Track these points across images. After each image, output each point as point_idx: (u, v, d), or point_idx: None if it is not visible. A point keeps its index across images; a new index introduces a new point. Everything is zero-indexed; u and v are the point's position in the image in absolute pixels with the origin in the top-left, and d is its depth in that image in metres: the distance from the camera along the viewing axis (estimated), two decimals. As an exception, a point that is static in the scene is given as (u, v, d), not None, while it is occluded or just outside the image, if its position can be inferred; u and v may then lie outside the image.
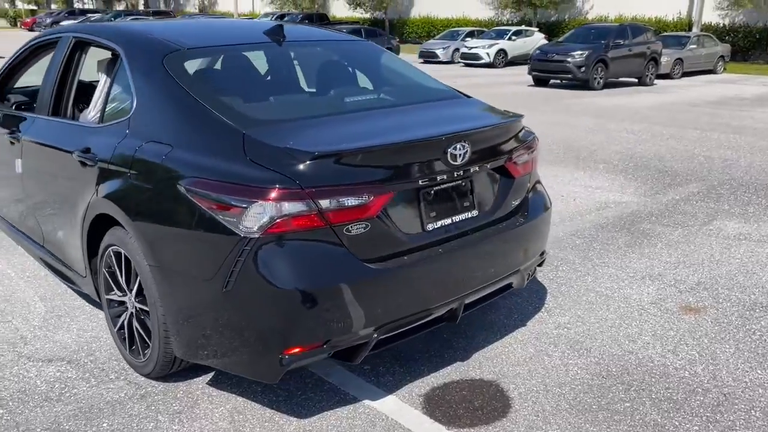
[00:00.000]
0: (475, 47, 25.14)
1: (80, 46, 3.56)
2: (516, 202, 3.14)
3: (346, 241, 2.46)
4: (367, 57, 3.88)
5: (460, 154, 2.74)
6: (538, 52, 18.23)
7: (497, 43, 25.07)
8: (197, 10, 54.19)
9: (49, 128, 3.53)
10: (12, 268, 4.34)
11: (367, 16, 40.66)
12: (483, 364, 3.18)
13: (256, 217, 2.34)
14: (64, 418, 2.71)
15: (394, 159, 2.61)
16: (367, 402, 2.87)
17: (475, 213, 2.92)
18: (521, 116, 3.22)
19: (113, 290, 3.08)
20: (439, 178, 2.73)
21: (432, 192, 2.75)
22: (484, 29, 29.38)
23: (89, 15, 42.55)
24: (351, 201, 2.44)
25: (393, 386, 2.99)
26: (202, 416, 2.73)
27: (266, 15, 38.47)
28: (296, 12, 39.37)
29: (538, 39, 25.97)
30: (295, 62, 3.67)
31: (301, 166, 2.39)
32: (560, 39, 20.32)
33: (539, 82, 17.80)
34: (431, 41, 28.98)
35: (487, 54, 24.58)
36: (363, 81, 3.64)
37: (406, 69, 3.84)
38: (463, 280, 2.86)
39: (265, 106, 3.17)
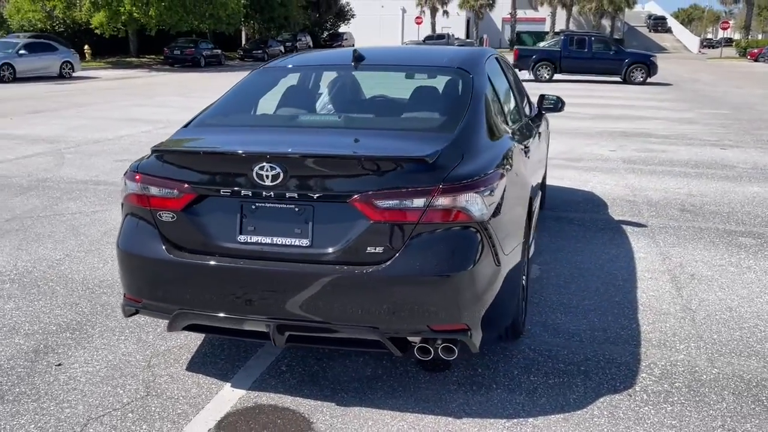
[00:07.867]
0: None
1: None
2: (375, 249, 2.71)
3: (159, 224, 2.94)
4: (427, 87, 3.88)
5: (267, 175, 2.73)
6: None
7: None
8: None
9: None
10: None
11: None
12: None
13: (124, 189, 3.09)
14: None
15: (206, 166, 2.92)
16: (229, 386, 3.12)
17: (306, 242, 2.77)
18: (422, 157, 2.70)
19: None
20: (244, 193, 2.80)
21: (254, 207, 2.83)
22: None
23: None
24: (160, 192, 2.92)
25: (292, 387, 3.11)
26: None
27: None
28: None
29: None
30: (343, 83, 4.26)
31: (144, 157, 3.10)
32: None
33: None
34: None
35: None
36: (370, 105, 4.08)
37: (446, 103, 3.60)
38: (274, 304, 2.80)
39: (240, 114, 3.73)
